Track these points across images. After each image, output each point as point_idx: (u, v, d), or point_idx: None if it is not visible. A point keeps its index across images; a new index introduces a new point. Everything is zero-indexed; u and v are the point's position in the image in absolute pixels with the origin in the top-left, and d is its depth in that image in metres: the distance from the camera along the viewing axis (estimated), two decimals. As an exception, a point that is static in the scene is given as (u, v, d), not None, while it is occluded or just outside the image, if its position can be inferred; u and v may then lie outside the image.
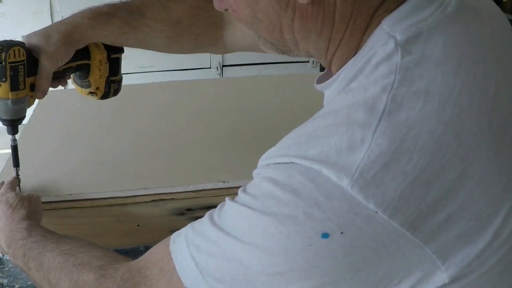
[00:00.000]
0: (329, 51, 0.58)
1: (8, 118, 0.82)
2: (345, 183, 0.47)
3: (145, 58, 2.87)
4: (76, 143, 1.10)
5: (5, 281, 1.00)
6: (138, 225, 0.96)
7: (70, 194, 0.92)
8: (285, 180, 0.50)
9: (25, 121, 1.18)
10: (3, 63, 0.76)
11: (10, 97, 0.79)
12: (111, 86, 0.92)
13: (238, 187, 0.99)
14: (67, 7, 2.55)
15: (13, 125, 0.84)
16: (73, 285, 0.66)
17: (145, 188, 0.94)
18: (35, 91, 0.82)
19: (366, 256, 0.48)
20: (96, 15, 0.84)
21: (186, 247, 0.57)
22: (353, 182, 0.47)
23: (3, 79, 0.77)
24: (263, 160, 0.56)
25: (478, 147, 0.49)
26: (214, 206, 0.97)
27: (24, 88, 0.79)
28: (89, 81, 0.90)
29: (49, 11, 2.55)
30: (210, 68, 3.00)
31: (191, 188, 0.96)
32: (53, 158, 1.05)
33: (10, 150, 0.99)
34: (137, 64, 2.86)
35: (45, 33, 0.81)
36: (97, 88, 0.91)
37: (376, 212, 0.46)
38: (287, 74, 2.57)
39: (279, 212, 0.49)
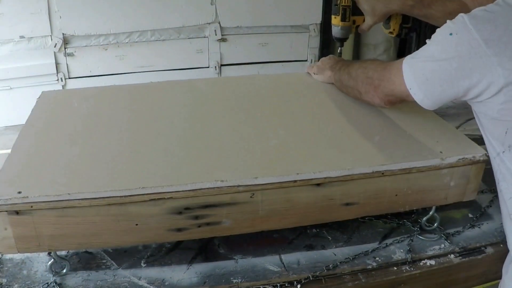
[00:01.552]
0: None
1: (338, 37, 1.48)
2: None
3: (144, 58, 2.88)
4: (75, 143, 1.11)
5: (4, 280, 1.01)
6: (137, 224, 0.97)
7: (69, 194, 0.93)
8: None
9: (24, 121, 1.19)
10: (338, 5, 1.41)
11: (340, 25, 1.44)
12: (403, 29, 1.44)
13: (237, 186, 1.00)
14: (65, 7, 2.55)
15: (341, 42, 1.50)
16: (362, 69, 1.19)
17: (143, 187, 0.95)
18: (361, 27, 1.44)
19: None
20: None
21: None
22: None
23: (337, 14, 1.43)
24: None
25: None
26: (213, 205, 0.98)
27: (349, 21, 1.44)
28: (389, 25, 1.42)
29: (47, 11, 2.54)
30: (208, 67, 3.00)
31: (190, 187, 0.96)
32: (52, 157, 1.05)
33: (9, 150, 0.99)
34: (136, 64, 2.86)
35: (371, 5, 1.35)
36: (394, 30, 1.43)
37: None
38: (285, 73, 2.57)
39: None
